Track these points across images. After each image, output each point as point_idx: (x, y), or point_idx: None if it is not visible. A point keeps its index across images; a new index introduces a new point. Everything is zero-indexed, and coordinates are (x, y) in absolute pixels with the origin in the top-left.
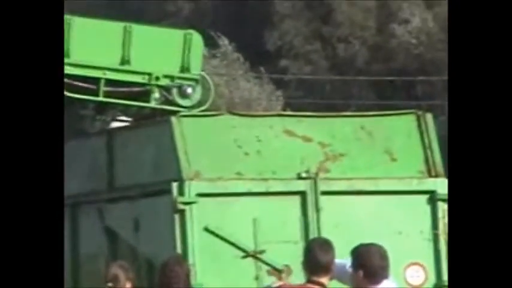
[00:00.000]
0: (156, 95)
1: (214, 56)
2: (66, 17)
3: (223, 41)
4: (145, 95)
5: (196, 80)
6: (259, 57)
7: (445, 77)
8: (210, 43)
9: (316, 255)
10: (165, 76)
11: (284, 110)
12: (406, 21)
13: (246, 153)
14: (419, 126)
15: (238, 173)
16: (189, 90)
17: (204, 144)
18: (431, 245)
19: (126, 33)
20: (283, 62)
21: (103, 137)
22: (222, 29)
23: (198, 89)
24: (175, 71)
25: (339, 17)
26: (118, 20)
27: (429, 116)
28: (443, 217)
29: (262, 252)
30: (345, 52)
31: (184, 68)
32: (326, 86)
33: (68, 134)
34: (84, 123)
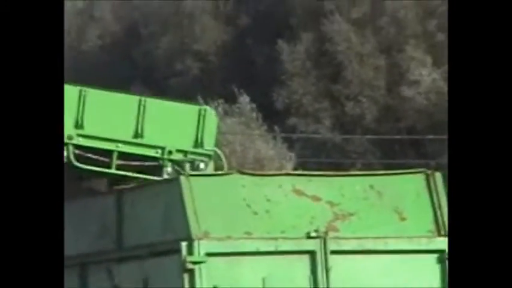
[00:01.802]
0: (169, 169)
1: (231, 113)
2: (81, 88)
3: (245, 99)
4: (157, 169)
5: (209, 156)
6: (268, 115)
7: None
8: (230, 100)
9: None
10: (178, 151)
11: (295, 169)
12: (416, 82)
13: (255, 213)
14: (428, 185)
15: (248, 232)
16: (202, 165)
17: (213, 203)
18: None
19: (141, 107)
20: (292, 120)
21: (112, 196)
22: (230, 88)
23: (211, 164)
24: (188, 146)
25: (349, 75)
26: (128, 78)
27: (438, 175)
28: None
29: None
30: (354, 111)
31: (198, 144)
32: (334, 145)
33: (77, 192)
34: (92, 182)
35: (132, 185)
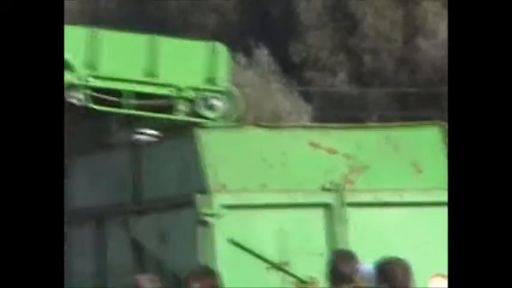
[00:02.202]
0: (182, 106)
1: (249, 66)
2: (93, 30)
3: (262, 52)
4: (171, 107)
5: (222, 92)
6: (285, 68)
7: None
8: (248, 53)
9: (338, 266)
10: (191, 88)
11: (312, 122)
12: (432, 34)
13: (271, 165)
14: (444, 138)
15: (263, 185)
16: (215, 101)
17: (229, 156)
18: None
19: (152, 46)
20: (309, 74)
21: (129, 150)
22: (247, 42)
23: (225, 100)
24: (200, 83)
25: (365, 28)
26: (142, 32)
27: None
28: None
29: (287, 263)
30: (371, 64)
31: (210, 80)
32: (351, 98)
33: (94, 147)
34: (109, 136)
35: (147, 132)
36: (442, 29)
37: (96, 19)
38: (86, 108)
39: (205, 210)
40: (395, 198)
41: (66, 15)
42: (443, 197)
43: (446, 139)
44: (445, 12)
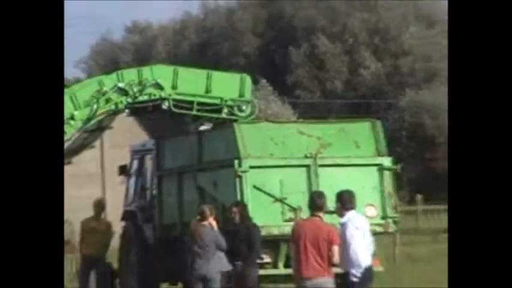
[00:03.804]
0: (225, 110)
1: (257, 89)
2: (175, 66)
3: (263, 81)
4: (219, 111)
5: (247, 102)
6: (283, 89)
7: (388, 100)
8: (255, 82)
9: (315, 200)
10: (230, 99)
11: (297, 119)
12: (367, 67)
13: (276, 143)
14: (373, 128)
15: (272, 154)
16: (244, 107)
17: (252, 138)
18: (379, 194)
19: (208, 76)
20: (296, 92)
21: (196, 135)
22: (261, 72)
23: (249, 107)
24: (236, 96)
25: (328, 66)
26: (202, 67)
27: (378, 122)
28: (386, 179)
29: (285, 198)
30: (332, 86)
31: (241, 95)
32: (320, 106)
33: (176, 133)
34: (185, 127)
35: (207, 128)
36: (372, 64)
37: (176, 60)
38: (171, 111)
39: (239, 169)
40: (345, 161)
41: (158, 59)
42: (372, 161)
43: (374, 129)
44: (373, 57)
